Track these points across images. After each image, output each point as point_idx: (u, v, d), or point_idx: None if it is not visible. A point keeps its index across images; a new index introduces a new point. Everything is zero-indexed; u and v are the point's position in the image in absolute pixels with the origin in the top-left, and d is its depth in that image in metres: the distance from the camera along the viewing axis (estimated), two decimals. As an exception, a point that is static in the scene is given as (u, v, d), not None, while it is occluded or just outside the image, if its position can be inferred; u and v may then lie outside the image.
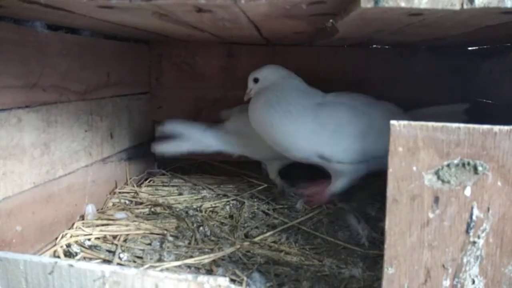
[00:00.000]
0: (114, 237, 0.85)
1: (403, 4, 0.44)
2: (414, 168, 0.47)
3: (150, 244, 0.84)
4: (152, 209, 1.01)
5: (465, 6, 0.44)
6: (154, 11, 0.57)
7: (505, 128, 0.46)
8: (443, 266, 0.48)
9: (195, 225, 0.92)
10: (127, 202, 1.05)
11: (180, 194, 1.12)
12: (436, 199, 0.47)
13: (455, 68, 1.25)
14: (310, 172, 1.10)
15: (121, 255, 0.78)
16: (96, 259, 0.77)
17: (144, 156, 1.27)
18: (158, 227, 0.90)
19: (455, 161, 0.47)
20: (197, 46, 1.31)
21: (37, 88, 0.77)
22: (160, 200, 1.05)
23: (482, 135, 0.46)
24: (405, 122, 0.47)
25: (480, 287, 0.49)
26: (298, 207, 1.04)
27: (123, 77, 1.13)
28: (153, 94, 1.34)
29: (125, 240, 0.84)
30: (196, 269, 0.75)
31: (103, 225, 0.90)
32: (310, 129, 0.94)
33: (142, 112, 1.27)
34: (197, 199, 1.08)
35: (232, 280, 0.70)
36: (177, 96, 1.34)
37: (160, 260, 0.77)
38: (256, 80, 1.03)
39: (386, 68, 1.28)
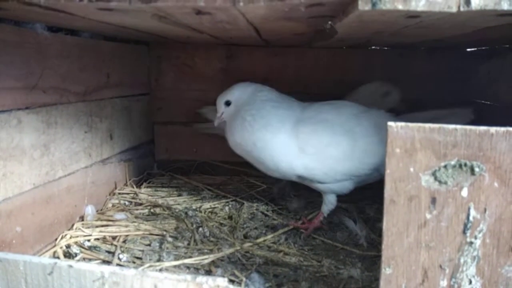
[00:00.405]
0: (114, 238, 0.85)
1: (400, 7, 0.44)
2: (412, 169, 0.47)
3: (149, 245, 0.84)
4: (152, 210, 1.01)
5: (461, 9, 0.44)
6: (153, 13, 0.57)
7: (502, 129, 0.46)
8: (440, 266, 0.49)
9: (194, 226, 0.92)
10: (126, 203, 1.05)
11: (180, 195, 1.12)
12: (433, 200, 0.48)
13: (454, 69, 1.26)
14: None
15: (121, 256, 0.78)
16: (96, 259, 0.78)
17: (143, 157, 1.28)
18: (158, 228, 0.90)
19: (452, 162, 0.47)
20: (197, 48, 1.32)
21: (37, 89, 0.77)
22: (160, 201, 1.05)
23: (479, 136, 0.46)
24: (402, 124, 0.47)
25: (477, 287, 0.49)
26: (291, 208, 1.04)
27: (122, 78, 1.13)
28: (152, 95, 1.34)
29: (124, 241, 0.85)
30: (195, 269, 0.75)
31: (102, 226, 0.90)
32: (288, 149, 0.87)
33: (141, 113, 1.27)
34: (197, 200, 1.09)
35: (231, 281, 0.70)
36: (177, 97, 1.34)
37: (159, 260, 0.77)
38: (227, 103, 0.96)
39: (385, 69, 1.28)
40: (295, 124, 0.89)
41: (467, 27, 0.65)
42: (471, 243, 0.48)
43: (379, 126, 0.89)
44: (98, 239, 0.85)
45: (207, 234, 0.89)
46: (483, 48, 1.17)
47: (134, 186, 1.15)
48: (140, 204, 1.04)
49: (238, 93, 0.96)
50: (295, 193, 1.13)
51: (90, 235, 0.85)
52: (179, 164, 1.35)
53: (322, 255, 0.81)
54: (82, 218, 0.92)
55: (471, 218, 0.48)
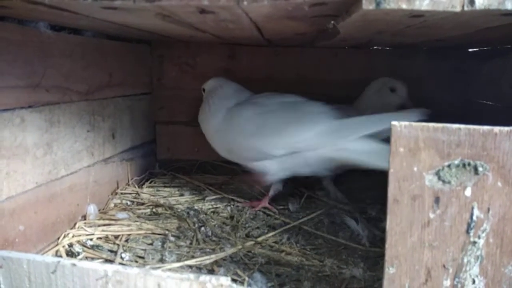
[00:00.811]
0: (116, 237, 0.85)
1: (404, 6, 0.44)
2: (415, 169, 0.47)
3: (151, 244, 0.84)
4: (154, 210, 1.01)
5: (465, 8, 0.44)
6: (157, 12, 0.57)
7: (506, 129, 0.46)
8: (444, 266, 0.49)
9: (196, 225, 0.92)
10: (128, 202, 1.05)
11: (181, 194, 1.12)
12: (437, 200, 0.48)
13: (456, 69, 1.26)
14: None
15: (123, 255, 0.78)
16: (98, 259, 0.78)
17: (145, 156, 1.28)
18: (160, 227, 0.90)
19: (456, 162, 0.47)
20: (199, 47, 1.32)
21: (40, 88, 0.77)
22: (162, 201, 1.05)
23: (482, 136, 0.46)
24: (406, 123, 0.47)
25: (480, 287, 0.49)
26: (292, 209, 1.04)
27: (125, 77, 1.13)
28: (154, 95, 1.34)
29: (126, 240, 0.85)
30: (198, 269, 0.75)
31: (105, 225, 0.90)
32: (220, 129, 1.03)
33: (143, 112, 1.27)
34: (199, 199, 1.09)
35: (234, 280, 0.70)
36: (179, 97, 1.34)
37: (161, 260, 0.77)
38: (203, 90, 1.15)
39: (387, 69, 1.28)
40: (228, 111, 1.03)
41: (470, 27, 0.65)
42: (474, 242, 0.48)
43: (304, 112, 0.95)
44: (100, 238, 0.85)
45: (209, 233, 0.89)
46: (485, 48, 1.17)
47: (136, 186, 1.15)
48: (142, 204, 1.04)
49: (209, 84, 1.14)
50: (297, 192, 1.14)
51: (93, 234, 0.85)
52: (181, 163, 1.35)
53: (324, 255, 0.81)
54: (84, 217, 0.92)
55: (474, 218, 0.48)
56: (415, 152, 0.47)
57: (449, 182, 0.47)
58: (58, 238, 0.83)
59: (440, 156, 0.47)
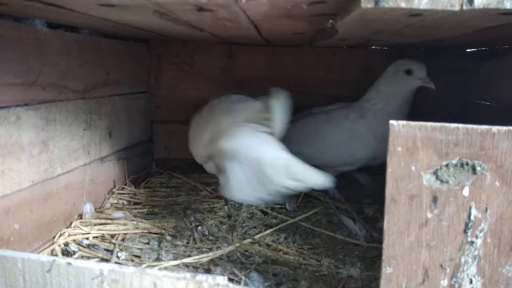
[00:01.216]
0: (112, 236, 0.85)
1: (403, 5, 0.44)
2: (413, 168, 0.47)
3: (148, 243, 0.84)
4: (150, 209, 1.01)
5: (464, 7, 0.44)
6: (154, 9, 0.57)
7: (504, 128, 0.46)
8: (441, 265, 0.49)
9: (193, 224, 0.92)
10: (125, 202, 1.05)
11: (178, 194, 1.12)
12: (435, 199, 0.48)
13: (454, 69, 1.26)
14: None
15: (119, 254, 0.78)
16: (94, 258, 0.77)
17: (142, 155, 1.27)
18: (156, 226, 0.90)
19: (454, 161, 0.47)
20: (197, 46, 1.31)
21: (36, 86, 0.76)
22: (158, 200, 1.05)
23: (480, 135, 0.46)
24: (404, 122, 0.47)
25: (477, 287, 0.49)
26: (289, 208, 1.04)
27: (122, 76, 1.13)
28: (152, 94, 1.34)
29: (123, 239, 0.84)
30: (194, 268, 0.75)
31: (101, 224, 0.89)
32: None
33: (140, 111, 1.26)
34: (195, 199, 1.08)
35: (231, 280, 0.70)
36: (176, 96, 1.34)
37: (158, 259, 0.77)
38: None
39: (385, 69, 1.28)
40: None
41: (468, 27, 0.65)
42: (472, 242, 0.48)
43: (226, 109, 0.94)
44: (96, 237, 0.84)
45: (206, 233, 0.88)
46: (483, 48, 1.17)
47: (133, 185, 1.14)
48: (139, 203, 1.04)
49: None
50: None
51: (89, 233, 0.84)
52: (178, 163, 1.34)
53: (321, 254, 0.81)
54: (80, 216, 0.92)
55: (472, 218, 0.48)
56: (413, 151, 0.47)
57: (447, 182, 0.47)
58: (54, 237, 0.82)
59: (438, 156, 0.47)
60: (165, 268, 0.73)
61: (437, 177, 0.47)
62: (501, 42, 0.95)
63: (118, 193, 1.07)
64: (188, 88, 1.33)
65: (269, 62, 1.32)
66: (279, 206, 1.05)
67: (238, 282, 0.69)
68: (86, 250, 0.79)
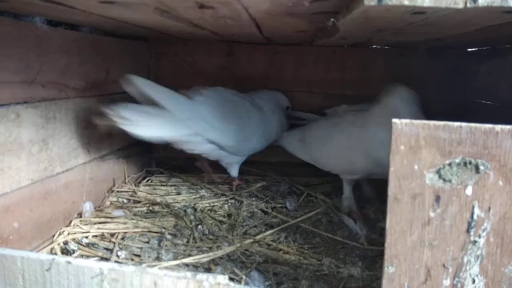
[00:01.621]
0: (112, 235, 0.85)
1: (406, 2, 0.44)
2: (416, 167, 0.47)
3: (148, 242, 0.83)
4: (150, 208, 1.00)
5: (468, 5, 0.44)
6: (155, 7, 0.57)
7: (507, 127, 0.45)
8: (444, 265, 0.48)
9: (193, 223, 0.91)
10: (125, 200, 1.05)
11: (178, 193, 1.11)
12: (437, 198, 0.47)
13: (455, 69, 1.25)
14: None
15: (119, 253, 0.78)
16: (94, 256, 0.77)
17: (142, 154, 1.27)
18: (156, 225, 0.89)
19: (457, 160, 0.46)
20: (197, 44, 1.31)
21: (36, 84, 0.76)
22: (158, 199, 1.05)
23: (484, 134, 0.46)
24: (407, 121, 0.47)
25: (480, 287, 0.49)
26: (290, 207, 1.04)
27: (122, 74, 1.12)
28: (152, 92, 1.33)
29: (123, 238, 0.84)
30: (194, 267, 0.74)
31: (100, 223, 0.89)
32: None
33: (140, 110, 1.26)
34: (195, 197, 1.08)
35: (231, 279, 0.69)
36: (176, 95, 1.33)
37: (158, 258, 0.77)
38: None
39: (386, 68, 1.28)
40: None
41: (471, 26, 0.64)
42: (475, 242, 0.48)
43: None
44: (96, 236, 0.84)
45: (206, 232, 0.88)
46: (484, 48, 1.16)
47: (133, 184, 1.14)
48: (139, 202, 1.04)
49: None
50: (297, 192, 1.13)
51: (88, 232, 0.84)
52: (178, 161, 1.34)
53: (322, 254, 0.80)
54: (80, 215, 0.91)
55: (475, 217, 0.47)
56: (416, 150, 0.47)
57: (450, 181, 0.47)
58: (53, 236, 0.82)
59: (441, 154, 0.46)
60: (165, 267, 0.73)
61: (440, 176, 0.47)
62: (503, 41, 0.94)
63: (118, 192, 1.07)
64: (188, 86, 1.32)
65: (269, 61, 1.31)
66: (280, 205, 1.04)
67: (239, 282, 0.69)
68: (86, 249, 0.79)
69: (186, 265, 0.75)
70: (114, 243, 0.81)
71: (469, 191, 0.47)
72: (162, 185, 1.17)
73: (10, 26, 0.70)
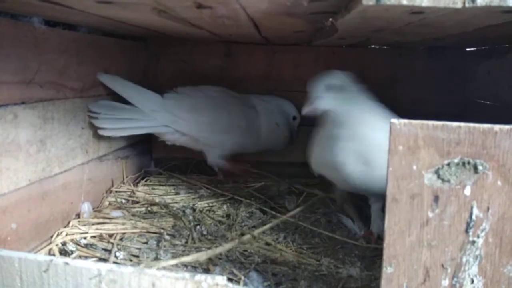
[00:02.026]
0: (110, 235, 0.84)
1: (404, 2, 0.43)
2: (414, 167, 0.47)
3: (146, 242, 0.83)
4: (149, 208, 1.00)
5: (467, 5, 0.44)
6: (153, 7, 0.56)
7: (506, 127, 0.45)
8: (442, 265, 0.48)
9: (192, 224, 0.91)
10: (123, 201, 1.04)
11: (177, 193, 1.11)
12: (436, 198, 0.47)
13: (454, 68, 1.26)
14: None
15: (117, 254, 0.77)
16: (92, 257, 0.77)
17: (140, 154, 1.27)
18: (155, 226, 0.89)
19: (455, 160, 0.46)
20: (195, 45, 1.31)
21: (33, 84, 0.76)
22: (157, 199, 1.04)
23: (482, 134, 0.46)
24: (405, 121, 0.47)
25: (479, 287, 0.48)
26: (289, 207, 1.04)
27: (120, 74, 1.12)
28: (150, 93, 1.32)
29: (121, 239, 0.84)
30: (193, 268, 0.74)
31: (99, 223, 0.89)
32: None
33: (139, 110, 1.25)
34: (194, 198, 1.08)
35: (230, 279, 0.69)
36: (175, 95, 1.33)
37: (156, 258, 0.77)
38: None
39: (385, 68, 1.28)
40: None
41: (469, 25, 0.64)
42: (473, 242, 0.48)
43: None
44: (94, 236, 0.84)
45: (205, 232, 0.88)
46: (483, 47, 1.17)
47: (131, 184, 1.14)
48: (137, 202, 1.03)
49: None
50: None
51: (87, 233, 0.84)
52: (177, 162, 1.34)
53: (321, 254, 0.80)
54: (78, 216, 0.91)
55: (474, 217, 0.47)
56: (414, 150, 0.47)
57: (448, 181, 0.47)
58: (51, 237, 0.81)
59: (439, 155, 0.46)
60: (164, 267, 0.72)
61: (438, 176, 0.47)
62: (501, 41, 0.94)
63: (116, 192, 1.07)
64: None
65: (268, 61, 1.31)
66: (279, 205, 1.04)
67: (237, 282, 0.69)
68: (84, 249, 0.78)
69: (185, 265, 0.75)
70: (112, 243, 0.81)
71: (467, 191, 0.47)
72: (160, 185, 1.17)
73: (8, 26, 0.70)
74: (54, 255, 0.76)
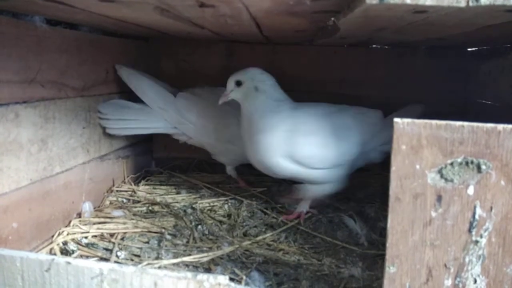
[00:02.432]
0: (111, 235, 0.84)
1: (408, 1, 0.43)
2: (418, 167, 0.47)
3: (148, 242, 0.83)
4: (150, 208, 1.00)
5: (470, 4, 0.43)
6: (155, 6, 0.56)
7: (509, 126, 0.45)
8: (445, 265, 0.48)
9: (193, 223, 0.91)
10: (124, 200, 1.04)
11: (178, 192, 1.11)
12: (439, 198, 0.47)
13: (455, 68, 1.25)
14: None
15: (119, 253, 0.77)
16: (93, 257, 0.77)
17: (141, 154, 1.27)
18: (156, 225, 0.89)
19: (459, 160, 0.46)
20: (197, 44, 1.31)
21: (35, 83, 0.76)
22: (158, 199, 1.04)
23: (486, 134, 0.46)
24: (409, 120, 0.46)
25: (481, 287, 0.48)
26: (290, 208, 1.03)
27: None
28: (151, 92, 1.32)
29: (122, 238, 0.84)
30: (194, 267, 0.74)
31: (100, 223, 0.89)
32: None
33: (140, 110, 1.25)
34: (195, 198, 1.08)
35: (231, 279, 0.69)
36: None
37: (158, 258, 0.76)
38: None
39: (386, 68, 1.28)
40: None
41: (472, 25, 0.64)
42: (476, 242, 0.47)
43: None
44: (95, 236, 0.83)
45: (206, 232, 0.88)
46: (484, 47, 1.16)
47: (132, 184, 1.14)
48: (138, 202, 1.03)
49: None
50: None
51: (88, 232, 0.83)
52: (178, 161, 1.33)
53: (322, 254, 0.80)
54: (79, 215, 0.91)
55: (477, 217, 0.47)
56: (418, 149, 0.46)
57: (451, 181, 0.47)
58: (53, 236, 0.81)
59: (443, 154, 0.46)
60: (165, 267, 0.72)
61: (441, 176, 0.47)
62: (502, 40, 0.94)
63: (118, 191, 1.07)
64: (188, 86, 1.32)
65: (269, 60, 1.31)
66: (280, 206, 1.04)
67: (239, 282, 0.68)
68: (85, 249, 0.78)
69: (186, 265, 0.75)
70: (113, 243, 0.81)
71: (471, 190, 0.47)
72: (161, 184, 1.17)
73: (10, 26, 0.69)
74: (55, 254, 0.76)
